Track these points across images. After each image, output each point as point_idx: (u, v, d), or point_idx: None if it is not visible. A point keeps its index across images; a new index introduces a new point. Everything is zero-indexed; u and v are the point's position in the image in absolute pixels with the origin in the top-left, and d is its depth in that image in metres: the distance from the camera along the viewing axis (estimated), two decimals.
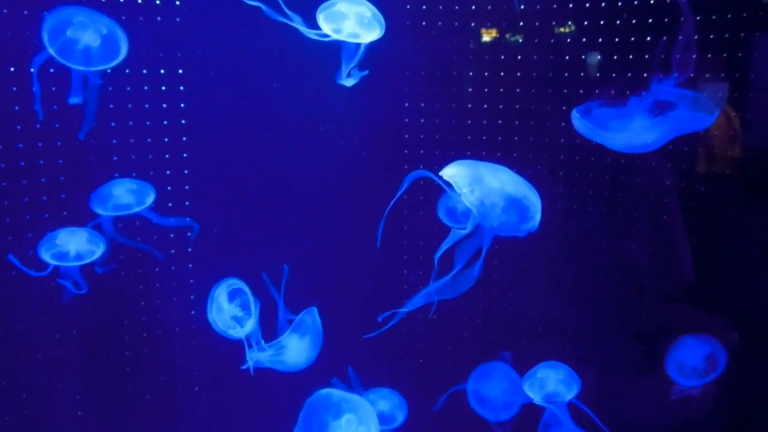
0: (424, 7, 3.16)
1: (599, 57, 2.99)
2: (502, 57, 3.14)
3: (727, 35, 2.61)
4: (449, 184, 2.29)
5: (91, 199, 2.79)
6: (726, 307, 2.85)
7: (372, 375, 3.19)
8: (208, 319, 2.77)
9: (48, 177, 2.88)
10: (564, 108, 3.06)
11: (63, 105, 2.74)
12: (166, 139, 3.17)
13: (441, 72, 3.26)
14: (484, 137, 3.24)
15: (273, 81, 3.20)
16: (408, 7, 3.16)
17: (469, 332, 3.47)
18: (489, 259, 3.29)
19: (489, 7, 3.11)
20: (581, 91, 3.02)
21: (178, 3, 3.03)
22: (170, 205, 3.23)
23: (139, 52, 2.98)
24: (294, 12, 2.51)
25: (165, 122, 3.15)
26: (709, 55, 2.66)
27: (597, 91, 2.97)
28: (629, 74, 2.89)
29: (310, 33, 2.54)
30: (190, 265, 3.34)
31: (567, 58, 3.04)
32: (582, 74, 3.03)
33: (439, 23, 3.18)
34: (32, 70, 2.51)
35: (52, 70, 2.70)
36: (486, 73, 3.19)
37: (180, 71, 3.12)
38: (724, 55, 2.64)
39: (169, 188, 3.21)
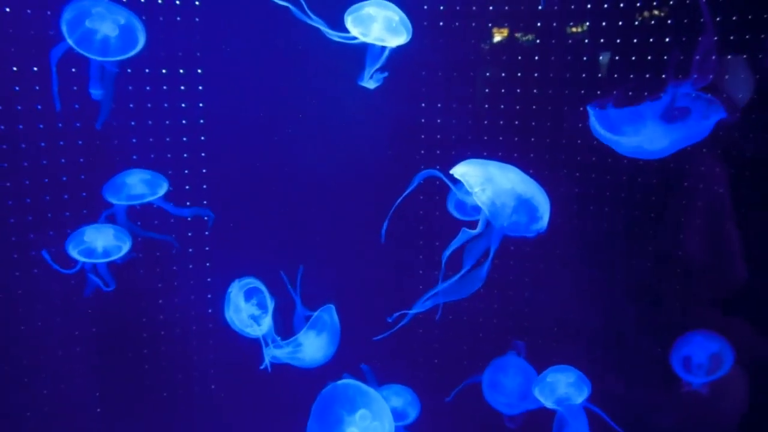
0: (441, 7, 3.16)
1: (617, 58, 2.97)
2: (519, 57, 3.14)
3: (747, 36, 2.59)
4: (458, 182, 2.30)
5: (104, 189, 2.82)
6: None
7: (386, 371, 3.20)
8: (226, 318, 2.79)
9: (69, 176, 2.92)
10: (581, 109, 3.09)
11: (83, 103, 2.79)
12: (184, 138, 3.19)
13: (457, 72, 3.25)
14: (501, 138, 3.24)
15: (291, 81, 3.21)
16: (425, 7, 3.17)
17: (485, 333, 3.47)
18: (505, 260, 3.33)
19: (506, 8, 3.11)
20: (599, 92, 3.01)
21: (197, 3, 3.06)
22: (188, 203, 3.25)
23: (158, 52, 3.02)
24: (319, 14, 2.52)
25: (184, 121, 3.18)
26: (729, 57, 2.65)
27: (615, 93, 3.00)
28: (647, 75, 2.88)
29: (336, 35, 2.54)
30: (208, 264, 3.37)
31: (584, 59, 3.03)
32: (599, 75, 3.02)
33: (456, 23, 3.18)
34: (51, 61, 2.54)
35: (74, 70, 2.74)
36: (503, 74, 3.19)
37: (199, 71, 3.14)
38: (744, 56, 2.63)
39: (187, 187, 3.23)
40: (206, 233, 3.33)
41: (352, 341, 2.99)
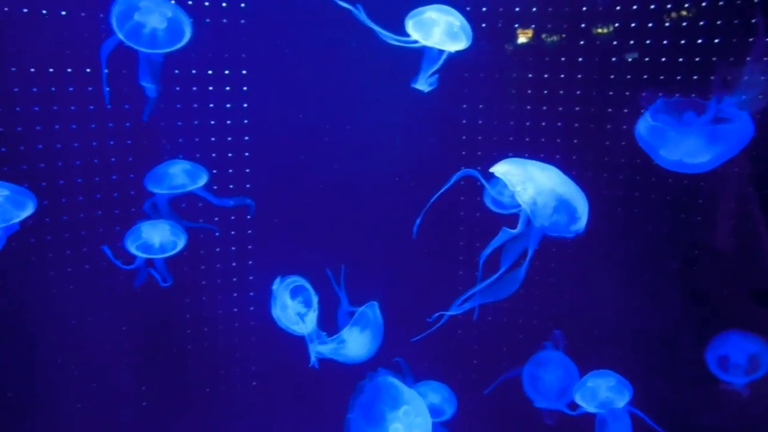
0: (483, 9, 3.16)
1: (664, 60, 2.94)
2: (563, 59, 3.12)
3: None
4: (493, 180, 2.31)
5: (146, 178, 2.87)
6: None
7: (424, 368, 3.22)
8: (272, 315, 2.83)
9: (119, 174, 2.98)
10: (625, 111, 3.07)
11: (132, 103, 2.85)
12: (229, 138, 3.24)
13: (499, 74, 3.25)
14: (543, 139, 3.23)
15: (334, 81, 3.24)
16: (468, 9, 3.17)
17: (524, 334, 3.47)
18: (546, 262, 3.32)
19: (549, 9, 3.10)
20: (643, 93, 2.98)
21: (243, 5, 3.10)
22: (232, 204, 3.30)
23: (205, 53, 3.07)
24: (375, 17, 2.54)
25: (228, 121, 3.22)
26: None
27: (660, 94, 2.97)
28: (695, 79, 2.85)
29: (394, 38, 2.56)
30: (251, 262, 3.41)
31: (630, 59, 3.01)
32: (645, 76, 3.00)
33: (499, 24, 3.18)
34: (101, 56, 2.60)
35: (125, 71, 2.80)
36: (545, 75, 3.17)
37: (244, 72, 3.19)
38: None
39: (231, 186, 3.28)
40: (249, 231, 3.37)
41: (391, 338, 3.02)
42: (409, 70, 2.71)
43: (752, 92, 2.22)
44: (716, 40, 2.75)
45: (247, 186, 3.31)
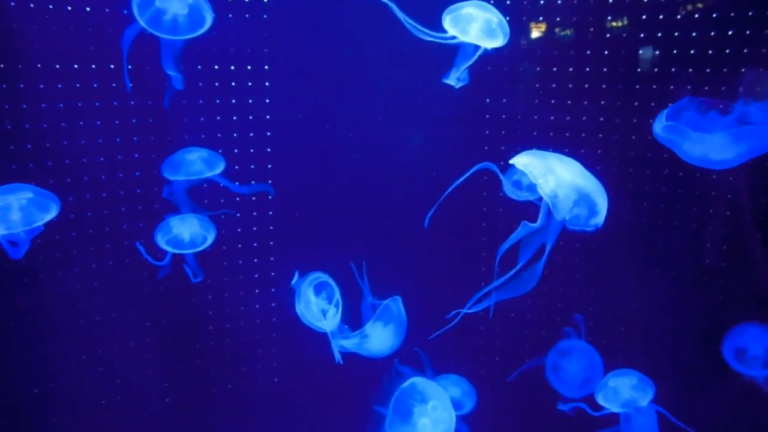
0: (507, 2, 3.12)
1: (692, 55, 2.89)
2: (588, 52, 3.08)
3: None
4: (508, 173, 2.28)
5: (163, 166, 2.85)
6: None
7: (444, 362, 3.21)
8: (295, 312, 2.82)
9: (142, 171, 2.99)
10: (653, 104, 3.02)
11: (155, 99, 2.85)
12: (251, 134, 3.23)
13: (523, 68, 3.22)
14: (568, 134, 3.20)
15: (356, 77, 3.22)
16: (491, 1, 3.13)
17: (547, 331, 3.43)
18: (570, 258, 3.28)
19: (575, 2, 3.06)
20: (672, 87, 2.94)
21: (266, 0, 3.09)
22: (253, 198, 3.30)
23: (227, 48, 3.07)
24: (409, 11, 2.51)
25: (250, 117, 3.22)
26: None
27: (689, 87, 2.92)
28: (720, 79, 2.80)
29: (428, 33, 2.52)
30: (272, 258, 3.40)
31: (657, 52, 2.96)
32: (673, 69, 2.95)
33: (523, 18, 3.15)
34: (123, 44, 2.59)
35: (148, 68, 2.79)
36: (570, 69, 3.14)
37: (266, 67, 3.17)
38: None
39: (252, 182, 3.27)
40: (271, 228, 3.37)
41: (414, 333, 3.00)
42: (433, 64, 2.68)
43: None
44: (748, 31, 2.70)
45: (269, 182, 3.30)
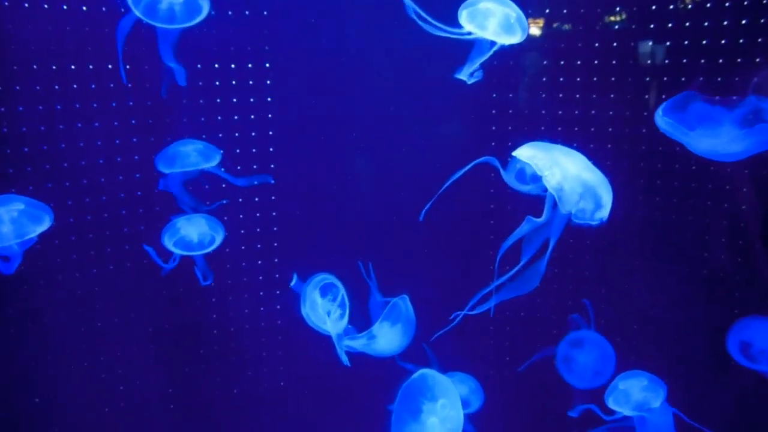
0: None
1: (703, 46, 2.83)
2: (597, 44, 3.02)
3: None
4: (510, 168, 2.24)
5: (157, 159, 2.78)
6: None
7: (452, 360, 3.14)
8: (300, 314, 2.76)
9: (142, 174, 2.93)
10: (664, 96, 2.96)
11: (156, 100, 2.80)
12: (253, 134, 3.18)
13: (530, 61, 3.16)
14: (576, 128, 3.13)
15: (358, 75, 3.17)
16: None
17: (558, 330, 3.38)
18: (581, 255, 3.22)
19: None
20: (683, 79, 2.88)
21: None
22: (256, 199, 3.25)
23: (227, 46, 3.01)
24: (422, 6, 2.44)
25: (252, 116, 3.16)
26: None
27: (701, 79, 2.86)
28: (728, 75, 2.74)
29: (443, 29, 2.44)
30: (276, 260, 3.35)
31: (667, 44, 2.90)
32: (684, 60, 2.88)
33: (529, 11, 3.08)
34: (118, 36, 2.54)
35: (146, 67, 2.74)
36: (578, 62, 3.07)
37: (267, 65, 3.12)
38: None
39: (255, 182, 3.22)
40: (275, 229, 3.31)
41: (421, 332, 2.94)
42: (439, 60, 2.62)
43: None
44: (762, 20, 2.63)
45: (272, 182, 3.24)
